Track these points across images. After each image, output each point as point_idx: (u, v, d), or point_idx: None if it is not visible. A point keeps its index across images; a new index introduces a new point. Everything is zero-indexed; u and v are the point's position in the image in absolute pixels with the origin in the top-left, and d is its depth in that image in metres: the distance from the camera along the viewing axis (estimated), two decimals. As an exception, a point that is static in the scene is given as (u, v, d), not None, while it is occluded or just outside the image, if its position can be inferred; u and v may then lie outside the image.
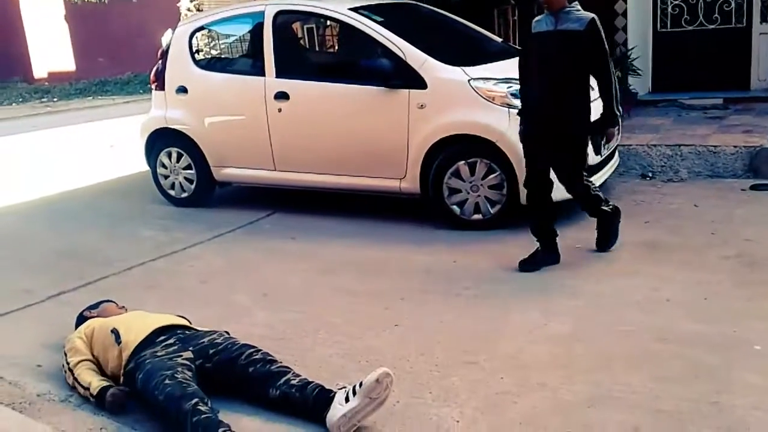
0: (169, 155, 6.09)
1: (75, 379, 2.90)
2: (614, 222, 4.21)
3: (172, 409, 2.51)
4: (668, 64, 7.94)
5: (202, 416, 2.44)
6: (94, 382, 2.85)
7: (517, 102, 4.63)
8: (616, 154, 5.57)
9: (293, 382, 2.67)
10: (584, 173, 4.10)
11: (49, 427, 2.52)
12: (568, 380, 2.79)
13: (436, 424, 2.55)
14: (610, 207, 4.18)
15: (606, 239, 4.22)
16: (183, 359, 2.77)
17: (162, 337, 2.91)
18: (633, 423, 2.46)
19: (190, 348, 2.85)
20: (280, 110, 5.39)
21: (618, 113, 3.89)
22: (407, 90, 4.85)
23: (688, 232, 4.45)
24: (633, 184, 5.69)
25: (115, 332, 2.95)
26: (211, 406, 2.53)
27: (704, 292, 3.52)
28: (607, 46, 3.81)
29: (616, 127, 4.05)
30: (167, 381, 2.60)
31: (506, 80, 4.74)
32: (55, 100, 18.36)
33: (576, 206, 4.81)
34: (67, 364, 2.96)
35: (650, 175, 5.85)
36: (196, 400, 2.51)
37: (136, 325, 2.98)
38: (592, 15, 3.77)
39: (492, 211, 4.77)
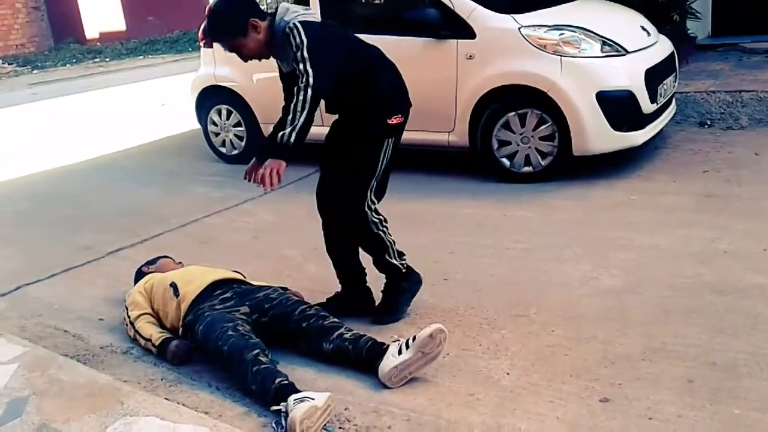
0: (219, 113, 6.15)
1: (136, 331, 3.00)
2: (402, 287, 3.09)
3: (234, 359, 2.58)
4: (729, 6, 7.57)
5: (262, 366, 2.51)
6: (155, 334, 2.95)
7: (569, 49, 4.52)
8: (673, 101, 5.39)
9: (346, 335, 2.72)
10: (362, 200, 2.95)
11: (111, 377, 2.62)
12: (621, 333, 2.76)
13: (486, 376, 2.56)
14: (403, 264, 3.10)
15: (387, 306, 3.09)
16: (240, 313, 2.84)
17: (218, 291, 2.98)
18: (687, 376, 2.43)
19: (246, 303, 2.91)
20: (326, 65, 5.35)
21: (282, 144, 2.60)
22: (455, 40, 4.75)
23: (747, 181, 4.30)
24: (690, 133, 5.51)
25: (174, 286, 3.03)
26: (270, 358, 2.60)
27: (763, 243, 3.41)
28: (302, 53, 2.62)
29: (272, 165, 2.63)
30: (230, 332, 2.67)
31: (558, 27, 4.61)
32: (107, 60, 18.66)
33: (623, 155, 4.71)
34: (129, 317, 3.07)
35: (709, 122, 5.64)
36: (257, 350, 2.58)
37: (193, 279, 3.05)
38: (286, 26, 2.74)
39: (543, 163, 4.69)
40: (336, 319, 2.83)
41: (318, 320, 2.80)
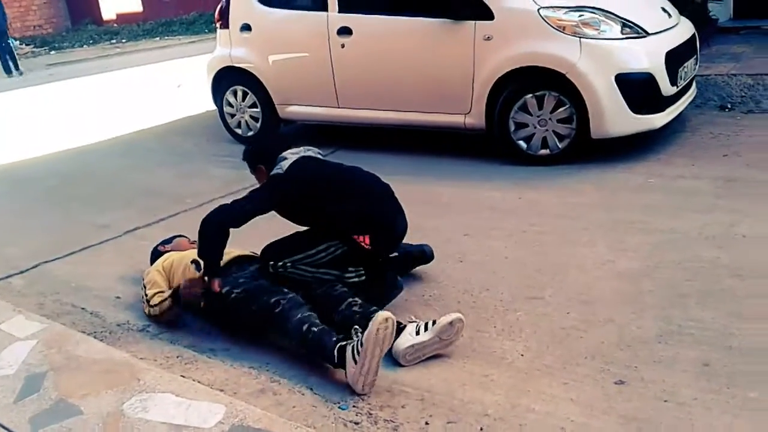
0: (235, 94, 6.15)
1: (151, 307, 3.02)
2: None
3: (292, 314, 2.63)
4: (752, -12, 7.45)
5: (314, 327, 2.57)
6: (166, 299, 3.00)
7: (588, 30, 4.47)
8: (694, 84, 5.32)
9: (355, 308, 2.73)
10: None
11: (128, 354, 2.64)
12: (637, 316, 2.74)
13: (500, 357, 2.56)
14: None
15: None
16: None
17: (243, 265, 3.02)
18: (704, 359, 2.41)
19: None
20: (343, 46, 5.34)
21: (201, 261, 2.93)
22: (473, 21, 4.70)
23: (768, 165, 4.25)
24: (711, 116, 5.44)
25: (196, 262, 3.05)
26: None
27: (784, 228, 3.37)
28: (257, 190, 3.01)
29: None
30: (286, 290, 2.75)
31: (577, 8, 4.54)
32: (123, 41, 18.74)
33: (642, 138, 4.67)
34: (146, 296, 3.09)
35: (729, 106, 5.57)
36: (309, 314, 2.64)
37: None
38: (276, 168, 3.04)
39: (560, 146, 4.65)
40: (345, 289, 2.84)
41: (327, 289, 2.84)
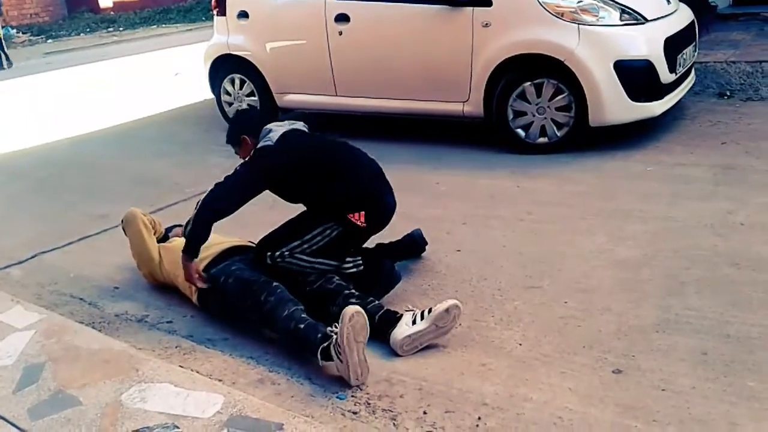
0: (233, 82, 6.13)
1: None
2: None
3: (279, 307, 2.62)
4: (752, -26, 7.41)
5: (309, 320, 2.56)
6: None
7: (587, 17, 4.45)
8: (692, 71, 5.30)
9: (352, 300, 2.72)
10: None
11: (126, 344, 2.64)
12: (635, 305, 2.74)
13: (498, 347, 2.56)
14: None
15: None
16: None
17: (236, 257, 3.02)
18: (701, 348, 2.41)
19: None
20: (340, 33, 5.31)
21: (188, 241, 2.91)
22: (471, 8, 4.68)
23: (767, 153, 4.23)
24: (709, 104, 5.42)
25: None
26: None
27: (782, 216, 3.37)
28: (240, 169, 2.93)
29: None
30: (274, 284, 2.72)
31: (576, -6, 4.52)
32: (121, 29, 18.65)
33: (640, 125, 4.65)
34: None
35: (728, 93, 5.55)
36: (301, 306, 2.64)
37: (209, 246, 3.05)
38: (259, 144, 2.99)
39: (559, 134, 4.63)
40: (341, 281, 2.83)
41: (324, 282, 2.83)
